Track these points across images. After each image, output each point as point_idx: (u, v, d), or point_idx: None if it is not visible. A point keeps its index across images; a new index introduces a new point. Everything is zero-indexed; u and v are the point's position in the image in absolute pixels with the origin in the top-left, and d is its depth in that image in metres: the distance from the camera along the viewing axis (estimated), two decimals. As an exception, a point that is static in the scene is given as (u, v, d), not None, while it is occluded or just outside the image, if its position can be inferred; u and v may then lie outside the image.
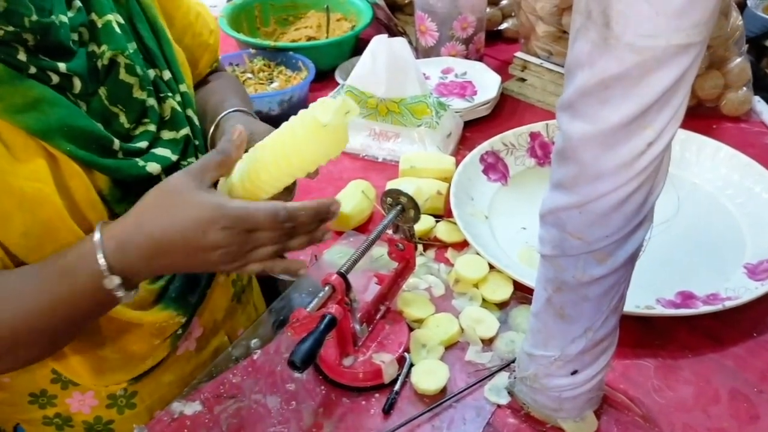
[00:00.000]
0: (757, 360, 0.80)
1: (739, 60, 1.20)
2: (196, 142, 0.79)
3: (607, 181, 0.53)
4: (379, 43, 1.14)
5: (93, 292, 0.61)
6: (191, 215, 0.58)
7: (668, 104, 0.49)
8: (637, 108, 0.48)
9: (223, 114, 0.79)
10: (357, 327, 0.75)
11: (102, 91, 0.69)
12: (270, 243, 0.62)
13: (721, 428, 0.73)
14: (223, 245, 0.59)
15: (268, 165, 0.61)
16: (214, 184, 0.65)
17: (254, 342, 0.86)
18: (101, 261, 0.59)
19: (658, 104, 0.48)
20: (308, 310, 0.68)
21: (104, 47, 0.69)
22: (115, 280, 0.60)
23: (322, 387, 0.79)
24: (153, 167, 0.71)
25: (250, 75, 1.31)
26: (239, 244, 0.60)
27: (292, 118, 0.63)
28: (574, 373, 0.68)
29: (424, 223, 1.00)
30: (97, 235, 0.60)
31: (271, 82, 1.30)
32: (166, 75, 0.76)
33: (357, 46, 1.43)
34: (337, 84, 1.30)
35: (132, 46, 0.72)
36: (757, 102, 1.24)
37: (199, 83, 0.90)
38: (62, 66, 0.64)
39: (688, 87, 0.49)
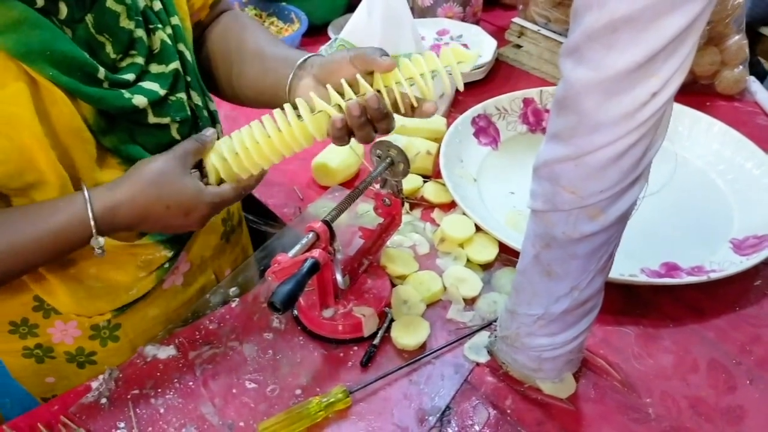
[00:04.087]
0: (737, 333, 0.80)
1: (737, 38, 1.19)
2: (188, 78, 0.76)
3: (606, 132, 0.51)
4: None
5: (74, 245, 0.66)
6: (176, 198, 0.66)
7: (676, 52, 0.47)
8: (644, 54, 0.47)
9: (301, 60, 0.75)
10: (339, 278, 0.74)
11: (89, 19, 0.67)
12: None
13: (698, 397, 0.73)
14: (200, 222, 0.69)
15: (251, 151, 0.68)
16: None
17: (233, 290, 0.84)
18: (92, 224, 0.64)
19: (666, 51, 0.47)
20: (290, 255, 0.66)
21: None
22: (101, 241, 0.65)
23: (301, 338, 0.78)
24: (139, 100, 0.69)
25: (240, 24, 1.28)
26: (212, 216, 0.70)
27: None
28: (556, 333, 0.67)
29: (412, 183, 0.98)
30: (87, 200, 0.64)
31: (262, 33, 1.26)
32: (157, 5, 0.73)
33: (351, 2, 1.39)
34: (329, 38, 1.27)
35: None
36: (752, 82, 1.23)
37: (212, 21, 0.86)
38: None
39: (698, 36, 0.47)
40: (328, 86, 0.66)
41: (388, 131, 0.68)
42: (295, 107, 0.67)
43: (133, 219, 0.66)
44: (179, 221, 0.67)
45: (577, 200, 0.56)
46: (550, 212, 0.59)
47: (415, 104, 0.66)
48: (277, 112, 0.68)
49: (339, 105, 0.65)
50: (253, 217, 1.03)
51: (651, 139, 0.52)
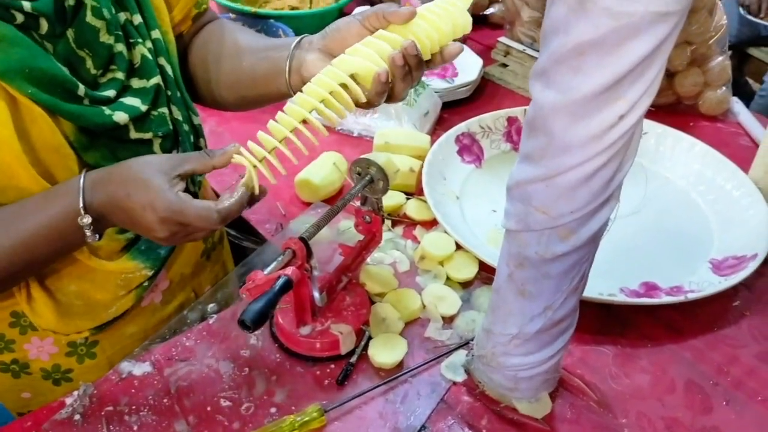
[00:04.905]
0: (714, 353, 0.80)
1: (720, 59, 1.20)
2: (168, 92, 0.76)
3: (575, 153, 0.52)
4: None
5: (69, 233, 0.64)
6: (139, 186, 0.62)
7: (642, 76, 0.47)
8: (610, 78, 0.47)
9: (296, 41, 0.74)
10: (316, 295, 0.74)
11: (70, 33, 0.67)
12: (203, 234, 0.65)
13: (674, 417, 0.73)
14: (157, 229, 0.62)
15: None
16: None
17: (211, 306, 0.84)
18: (80, 200, 0.62)
19: (632, 75, 0.47)
20: (265, 272, 0.66)
21: None
22: (87, 219, 0.63)
23: (278, 355, 0.78)
24: (120, 117, 0.69)
25: (228, 40, 1.28)
26: (173, 233, 0.63)
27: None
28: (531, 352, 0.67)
29: (394, 199, 0.99)
30: (81, 177, 0.64)
31: (250, 49, 1.27)
32: (137, 19, 0.73)
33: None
34: (317, 55, 1.28)
35: None
36: (735, 103, 1.24)
37: (196, 31, 0.85)
38: (27, 5, 0.62)
39: (664, 60, 0.48)
40: (359, 45, 0.66)
41: (418, 81, 0.69)
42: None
43: (103, 199, 0.63)
44: (138, 216, 0.62)
45: (549, 220, 0.57)
46: (523, 232, 0.60)
47: (436, 49, 0.67)
48: (312, 88, 0.64)
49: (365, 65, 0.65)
50: (235, 233, 1.03)
51: (620, 161, 0.53)
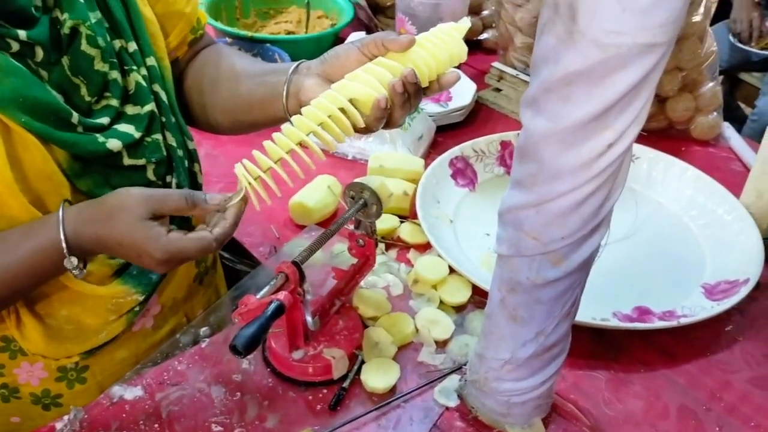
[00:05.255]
0: (708, 378, 0.80)
1: (711, 84, 1.21)
2: (163, 119, 0.77)
3: (565, 180, 0.52)
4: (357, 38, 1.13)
5: (52, 268, 0.65)
6: (127, 238, 0.63)
7: (630, 106, 0.48)
8: (598, 107, 0.48)
9: (294, 66, 0.74)
10: (309, 319, 0.74)
11: (65, 61, 0.68)
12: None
13: (667, 444, 0.73)
14: (158, 267, 0.65)
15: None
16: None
17: (204, 330, 0.84)
18: (63, 242, 0.63)
19: (620, 105, 0.48)
20: (258, 297, 0.66)
21: (66, 15, 0.67)
22: (74, 261, 0.64)
23: (270, 379, 0.77)
24: (114, 144, 0.69)
25: (224, 64, 1.29)
26: (171, 266, 0.66)
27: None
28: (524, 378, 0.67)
29: (388, 223, 0.99)
30: (60, 216, 0.63)
31: (246, 73, 1.28)
32: (132, 47, 0.74)
33: (336, 44, 1.42)
34: (313, 79, 1.29)
35: (95, 16, 0.70)
36: (726, 128, 1.25)
37: (192, 56, 0.86)
38: (22, 34, 0.63)
39: (651, 90, 0.48)
40: (358, 71, 0.66)
41: (416, 108, 0.70)
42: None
43: (92, 244, 0.64)
44: (135, 260, 0.66)
45: (540, 246, 0.57)
46: (515, 257, 0.60)
47: (434, 77, 0.68)
48: (311, 111, 0.65)
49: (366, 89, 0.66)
50: (229, 255, 1.03)
51: (610, 188, 0.53)
